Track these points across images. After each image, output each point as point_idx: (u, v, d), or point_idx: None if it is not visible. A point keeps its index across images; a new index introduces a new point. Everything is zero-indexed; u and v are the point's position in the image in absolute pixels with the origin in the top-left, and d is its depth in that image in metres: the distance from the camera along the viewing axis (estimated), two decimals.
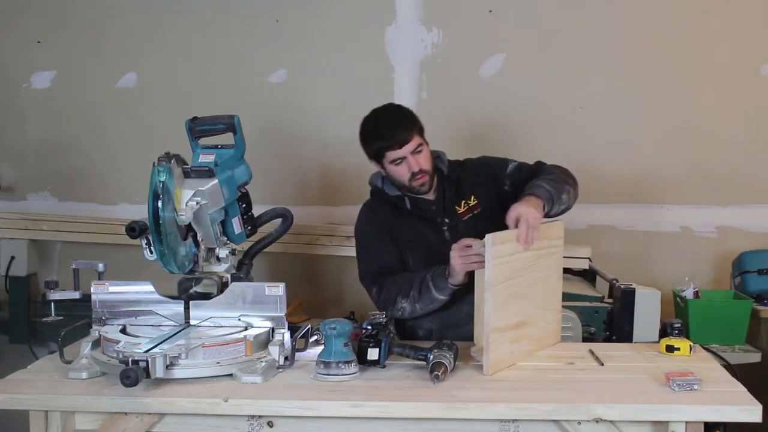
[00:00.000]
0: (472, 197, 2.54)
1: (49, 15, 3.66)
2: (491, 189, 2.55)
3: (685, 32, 3.42)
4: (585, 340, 2.71)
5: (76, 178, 3.71)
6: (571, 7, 3.46)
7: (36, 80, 3.70)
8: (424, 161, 2.46)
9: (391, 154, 2.43)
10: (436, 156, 2.56)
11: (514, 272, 2.18)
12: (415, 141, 2.43)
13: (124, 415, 1.94)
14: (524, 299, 2.25)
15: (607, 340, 2.81)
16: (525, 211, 2.19)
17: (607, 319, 2.85)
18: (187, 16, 3.61)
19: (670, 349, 2.29)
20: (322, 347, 2.10)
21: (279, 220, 2.57)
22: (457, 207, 2.53)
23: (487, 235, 2.08)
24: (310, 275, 3.60)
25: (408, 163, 2.43)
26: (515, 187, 2.47)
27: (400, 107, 2.57)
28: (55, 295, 2.46)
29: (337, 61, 3.56)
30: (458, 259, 2.24)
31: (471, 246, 2.19)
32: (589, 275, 3.23)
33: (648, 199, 3.48)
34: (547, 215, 2.33)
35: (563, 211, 2.43)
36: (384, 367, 2.13)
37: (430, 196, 2.55)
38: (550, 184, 2.35)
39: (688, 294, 2.98)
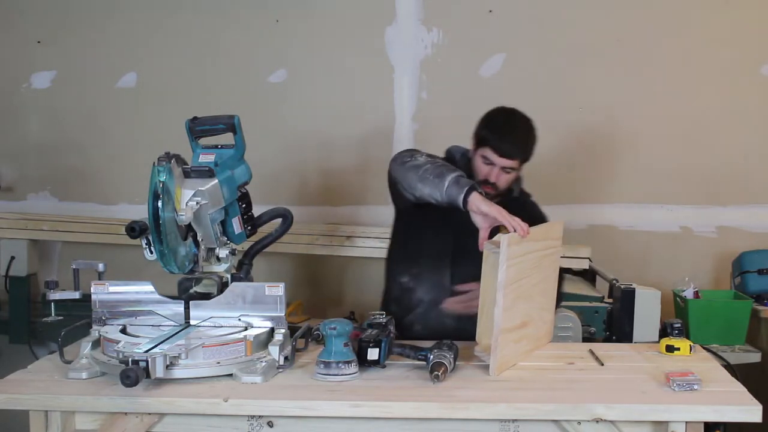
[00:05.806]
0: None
1: (49, 15, 3.66)
2: None
3: (686, 32, 3.42)
4: (585, 340, 2.71)
5: (76, 178, 3.71)
6: (570, 6, 3.46)
7: (36, 80, 3.70)
8: (503, 182, 2.49)
9: (489, 154, 2.45)
10: (517, 178, 2.58)
11: (522, 273, 2.17)
12: (514, 164, 2.47)
13: (124, 415, 1.94)
14: (528, 299, 2.24)
15: (607, 340, 2.82)
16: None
17: (607, 319, 2.85)
18: (187, 16, 3.61)
19: (670, 349, 2.28)
20: (322, 347, 2.10)
21: (279, 220, 2.56)
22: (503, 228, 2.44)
23: (502, 237, 2.05)
24: (310, 275, 3.60)
25: (492, 171, 2.46)
26: None
27: (534, 128, 2.53)
28: (55, 295, 2.46)
29: (337, 61, 3.56)
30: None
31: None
32: (589, 275, 3.23)
33: (648, 199, 3.48)
34: None
35: None
36: (384, 367, 2.12)
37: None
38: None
39: (688, 294, 2.98)
